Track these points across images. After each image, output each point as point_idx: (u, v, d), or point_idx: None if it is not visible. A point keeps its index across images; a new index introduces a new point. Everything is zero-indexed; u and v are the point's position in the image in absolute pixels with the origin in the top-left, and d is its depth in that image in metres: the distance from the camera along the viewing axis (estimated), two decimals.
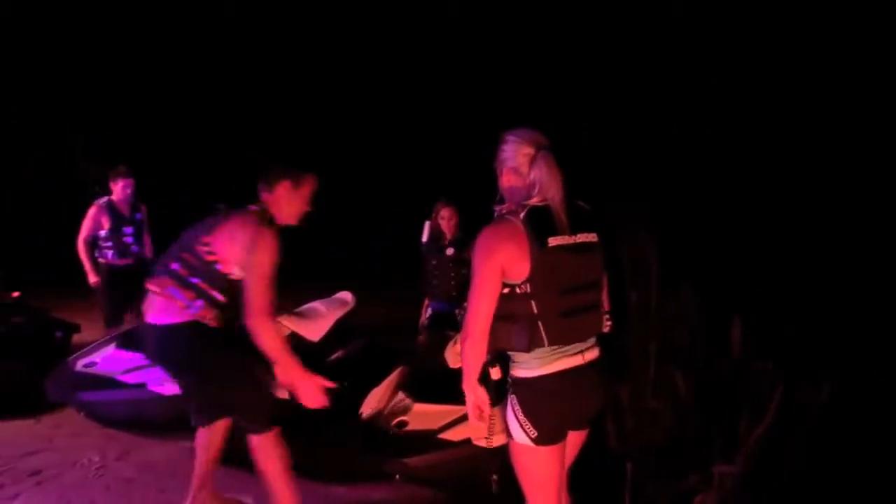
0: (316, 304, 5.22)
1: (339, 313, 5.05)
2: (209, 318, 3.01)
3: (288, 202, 3.12)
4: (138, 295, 3.46)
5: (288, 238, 3.09)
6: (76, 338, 5.82)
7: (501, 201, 2.45)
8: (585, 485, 2.85)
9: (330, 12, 14.79)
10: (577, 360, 2.35)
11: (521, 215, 2.28)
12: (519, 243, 2.25)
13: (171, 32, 14.58)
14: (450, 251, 5.17)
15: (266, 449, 3.14)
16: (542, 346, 2.28)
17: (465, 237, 5.08)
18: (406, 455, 3.60)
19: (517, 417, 2.32)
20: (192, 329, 2.99)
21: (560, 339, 2.30)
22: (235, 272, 2.97)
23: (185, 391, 3.27)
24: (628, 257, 4.28)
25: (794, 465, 3.82)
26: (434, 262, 5.28)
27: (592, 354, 2.42)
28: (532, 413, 2.30)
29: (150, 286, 3.07)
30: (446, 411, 3.70)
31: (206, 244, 2.99)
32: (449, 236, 5.21)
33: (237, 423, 3.23)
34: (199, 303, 2.99)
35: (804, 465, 3.79)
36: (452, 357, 3.70)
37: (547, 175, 2.31)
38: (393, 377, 4.02)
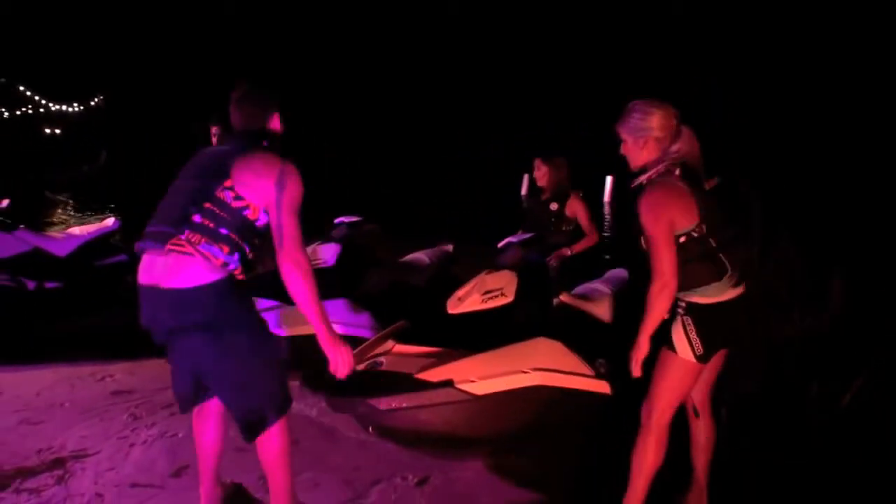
0: (419, 255, 5.49)
1: (438, 260, 5.33)
2: (240, 278, 2.60)
3: (279, 132, 2.84)
4: None
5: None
6: None
7: (643, 171, 2.68)
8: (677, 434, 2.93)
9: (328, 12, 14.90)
10: (740, 290, 2.65)
11: (677, 172, 2.62)
12: (682, 195, 2.57)
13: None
14: (554, 205, 5.15)
15: (272, 436, 2.71)
16: (727, 272, 2.58)
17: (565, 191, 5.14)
18: (374, 395, 3.14)
19: (689, 335, 2.61)
20: (235, 286, 2.56)
21: (737, 268, 2.61)
22: (262, 219, 2.59)
23: (228, 362, 2.60)
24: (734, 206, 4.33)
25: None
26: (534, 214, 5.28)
27: (744, 287, 2.68)
28: (704, 333, 2.60)
29: (171, 246, 2.49)
30: (427, 352, 3.36)
31: (230, 188, 2.53)
32: (549, 191, 5.22)
33: (251, 406, 2.67)
34: (236, 256, 2.56)
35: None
36: (453, 303, 3.70)
37: (690, 140, 2.66)
38: (390, 329, 3.75)
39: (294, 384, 4.68)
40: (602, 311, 3.86)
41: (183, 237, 2.50)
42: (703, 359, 2.63)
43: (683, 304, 2.65)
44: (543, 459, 3.53)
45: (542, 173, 5.18)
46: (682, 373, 2.66)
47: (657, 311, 2.58)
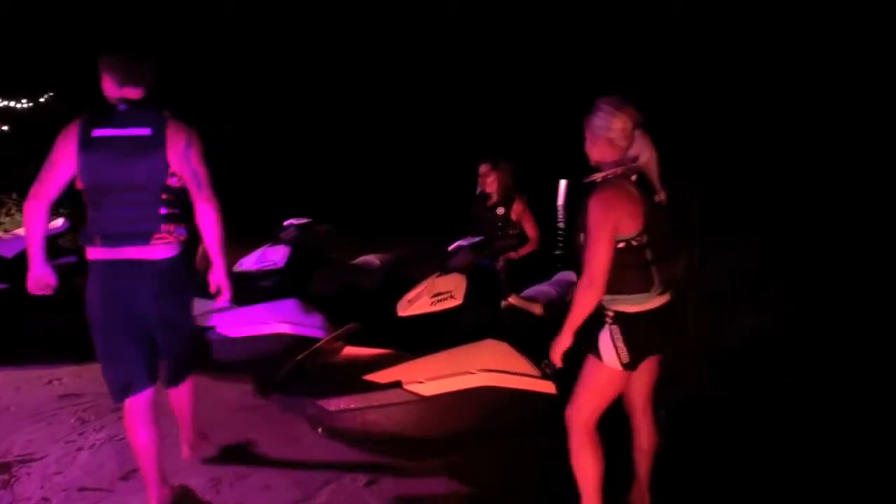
0: (370, 257, 5.54)
1: (388, 263, 5.39)
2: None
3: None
4: None
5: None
6: None
7: (597, 169, 2.70)
8: (619, 431, 3.03)
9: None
10: (666, 298, 2.69)
11: (633, 178, 2.64)
12: (632, 201, 2.57)
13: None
14: (500, 210, 5.20)
15: (189, 389, 3.36)
16: (655, 286, 2.62)
17: (511, 196, 5.18)
18: (323, 396, 3.18)
19: (615, 344, 2.64)
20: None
21: (664, 281, 2.64)
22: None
23: (189, 316, 3.16)
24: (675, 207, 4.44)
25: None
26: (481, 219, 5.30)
27: (670, 295, 2.73)
28: (630, 342, 2.63)
29: (154, 241, 2.88)
30: (377, 354, 3.40)
31: (172, 174, 2.88)
32: (496, 196, 5.25)
33: (193, 350, 3.29)
34: (183, 229, 2.98)
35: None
36: (403, 305, 3.75)
37: (646, 145, 2.64)
38: (340, 331, 3.80)
39: (246, 386, 4.71)
40: (547, 312, 3.89)
41: (162, 231, 2.89)
42: (629, 367, 2.66)
43: (611, 314, 2.67)
44: (491, 459, 3.60)
45: (490, 179, 5.22)
46: (608, 380, 2.69)
47: (582, 306, 2.60)
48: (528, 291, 4.15)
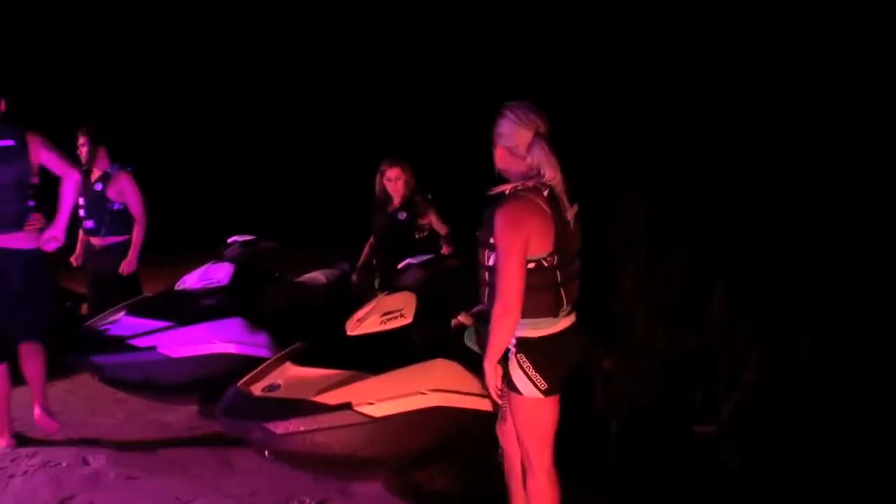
0: (316, 274, 5.45)
1: (335, 280, 5.31)
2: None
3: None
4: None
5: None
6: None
7: (501, 180, 2.51)
8: (570, 444, 3.01)
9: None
10: (571, 319, 2.57)
11: (545, 193, 2.41)
12: (545, 218, 2.38)
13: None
14: (402, 215, 4.80)
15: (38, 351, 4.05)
16: (563, 309, 2.48)
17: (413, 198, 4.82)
18: (270, 419, 3.05)
19: (527, 373, 2.46)
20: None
21: (571, 302, 2.52)
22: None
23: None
24: (619, 224, 4.47)
25: (774, 423, 4.02)
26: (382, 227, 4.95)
27: (575, 315, 2.61)
28: (542, 367, 2.46)
29: (27, 228, 3.83)
30: (325, 375, 3.25)
31: (34, 173, 3.88)
32: (398, 200, 4.84)
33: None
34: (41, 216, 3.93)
35: (785, 423, 3.99)
36: (352, 324, 3.64)
37: (546, 160, 2.42)
38: (287, 350, 3.67)
39: (189, 409, 4.59)
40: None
41: (33, 220, 3.86)
42: (550, 392, 2.48)
43: (513, 342, 2.47)
44: (442, 479, 3.59)
45: (401, 182, 4.79)
46: (537, 411, 2.51)
47: (500, 336, 2.42)
48: (478, 308, 4.13)
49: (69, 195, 3.99)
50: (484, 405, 3.19)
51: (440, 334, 3.61)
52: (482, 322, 2.84)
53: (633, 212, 4.44)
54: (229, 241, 5.07)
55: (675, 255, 4.41)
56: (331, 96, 14.88)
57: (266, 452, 3.11)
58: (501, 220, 2.36)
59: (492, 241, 2.42)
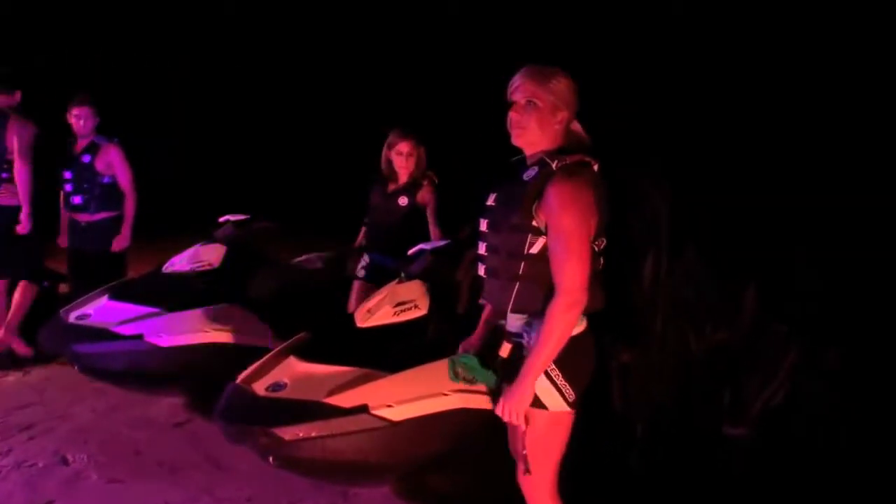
0: (311, 256, 5.12)
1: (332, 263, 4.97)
2: None
3: None
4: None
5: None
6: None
7: (565, 151, 2.15)
8: (590, 449, 2.78)
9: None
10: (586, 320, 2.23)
11: (596, 168, 2.13)
12: (601, 198, 2.09)
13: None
14: (403, 200, 4.33)
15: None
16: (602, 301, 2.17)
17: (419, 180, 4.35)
18: (278, 423, 2.73)
19: (556, 382, 2.11)
20: None
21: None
22: None
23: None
24: (640, 217, 4.22)
25: (803, 431, 3.80)
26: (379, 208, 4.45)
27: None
28: (571, 375, 2.12)
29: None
30: (338, 373, 2.91)
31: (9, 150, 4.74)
32: (404, 181, 4.36)
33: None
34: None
35: (814, 431, 3.77)
36: (362, 315, 3.32)
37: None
38: (289, 342, 3.31)
39: (177, 401, 4.26)
40: None
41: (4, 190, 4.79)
42: (576, 404, 2.16)
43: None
44: (450, 482, 3.34)
45: (413, 159, 4.29)
46: (559, 427, 2.18)
47: (559, 335, 2.04)
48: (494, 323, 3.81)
49: (24, 183, 4.74)
50: None
51: (456, 327, 3.30)
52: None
53: (656, 203, 4.18)
54: (221, 220, 4.69)
55: (691, 249, 4.17)
56: (330, 92, 14.59)
57: (271, 459, 2.77)
58: (565, 198, 2.02)
59: (534, 223, 2.07)
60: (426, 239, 4.09)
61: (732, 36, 9.40)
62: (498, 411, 2.19)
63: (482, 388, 2.94)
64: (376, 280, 4.10)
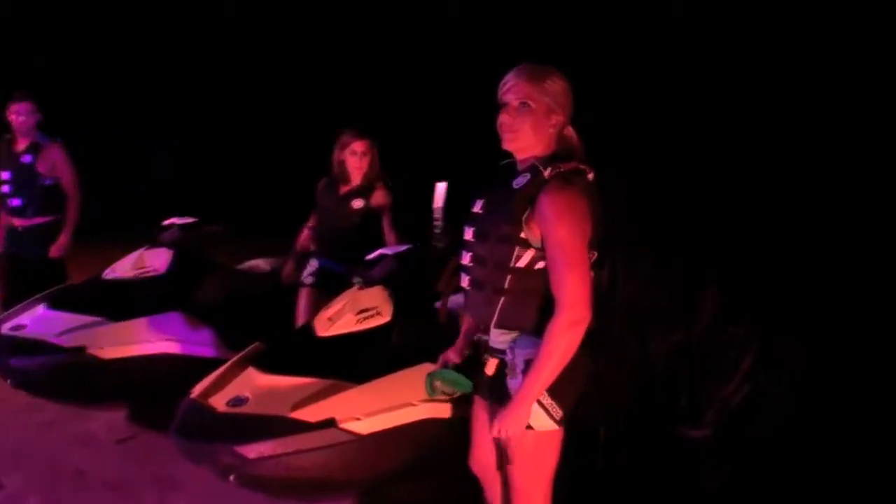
0: (259, 261, 4.96)
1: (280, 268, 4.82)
2: None
3: None
4: None
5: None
6: None
7: (559, 158, 2.05)
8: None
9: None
10: None
11: (591, 177, 2.06)
12: (595, 208, 2.01)
13: None
14: (357, 203, 4.16)
15: None
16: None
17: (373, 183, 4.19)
18: (241, 441, 2.56)
19: (541, 401, 2.01)
20: None
21: None
22: None
23: None
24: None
25: (763, 431, 3.84)
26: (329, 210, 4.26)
27: None
28: (559, 392, 2.02)
29: None
30: (302, 385, 2.77)
31: None
32: (358, 182, 4.19)
33: None
34: None
35: (774, 431, 3.81)
36: (322, 324, 3.18)
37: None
38: (245, 352, 3.12)
39: (118, 416, 4.05)
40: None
41: None
42: (564, 421, 2.07)
43: (521, 364, 2.04)
44: (422, 491, 3.28)
45: (367, 160, 4.13)
46: (547, 446, 2.10)
47: (562, 354, 1.94)
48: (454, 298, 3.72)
49: None
50: None
51: (421, 335, 3.20)
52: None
53: (615, 208, 4.17)
54: (166, 223, 4.47)
55: (647, 255, 4.19)
56: (331, 93, 14.36)
57: (231, 477, 2.61)
58: (561, 208, 1.93)
59: (522, 234, 1.98)
60: (380, 243, 3.98)
61: (732, 36, 9.50)
62: (493, 434, 2.09)
63: (449, 397, 2.86)
64: (327, 286, 3.96)
